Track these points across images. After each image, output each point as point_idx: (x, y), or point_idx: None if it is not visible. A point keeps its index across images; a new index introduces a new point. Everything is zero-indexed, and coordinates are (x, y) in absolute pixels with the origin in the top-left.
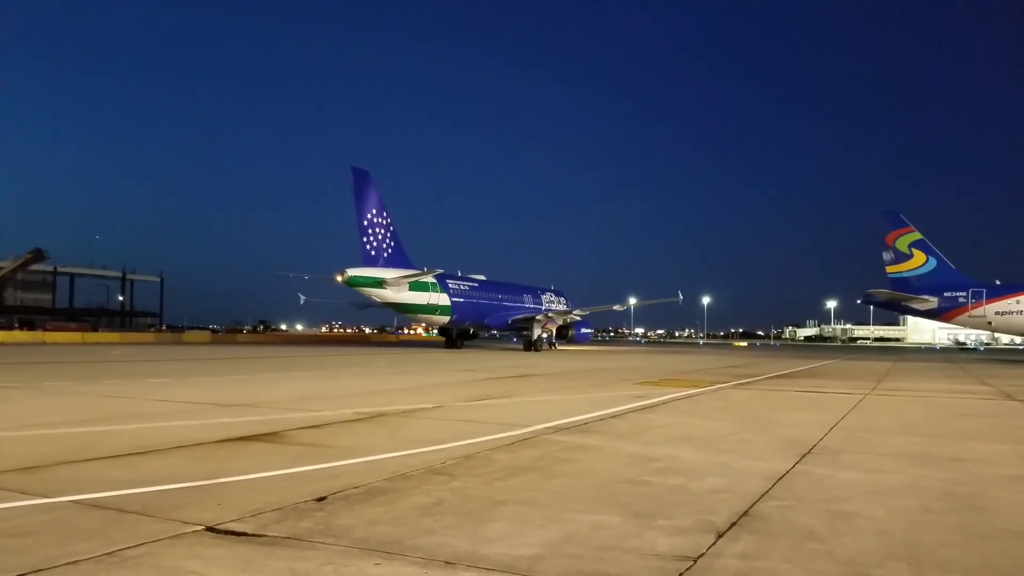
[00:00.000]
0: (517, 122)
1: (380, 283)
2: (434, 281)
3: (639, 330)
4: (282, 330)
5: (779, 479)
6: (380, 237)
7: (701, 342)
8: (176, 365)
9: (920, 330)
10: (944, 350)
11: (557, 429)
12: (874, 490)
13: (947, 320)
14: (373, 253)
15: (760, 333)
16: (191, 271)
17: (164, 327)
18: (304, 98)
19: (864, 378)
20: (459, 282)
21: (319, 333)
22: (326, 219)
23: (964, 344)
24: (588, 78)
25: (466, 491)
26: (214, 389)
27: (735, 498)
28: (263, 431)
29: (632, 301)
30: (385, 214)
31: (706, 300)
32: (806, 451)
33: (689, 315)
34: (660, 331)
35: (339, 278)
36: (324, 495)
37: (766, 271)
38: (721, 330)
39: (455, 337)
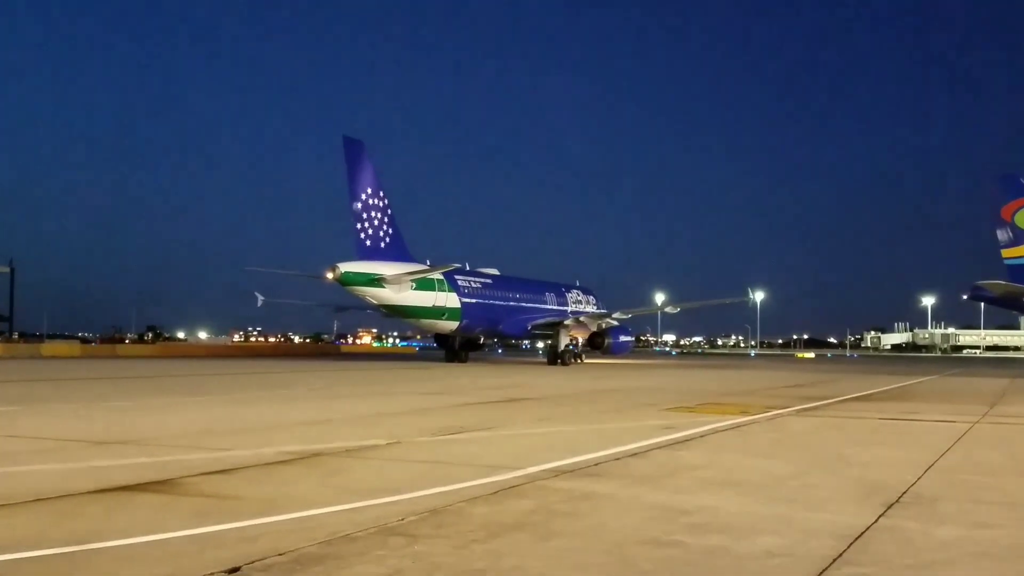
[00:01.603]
0: (521, 99)
1: (378, 281)
2: (441, 278)
3: (668, 337)
4: (179, 339)
5: (856, 538)
6: (377, 223)
7: (752, 353)
8: (32, 387)
9: None
10: None
11: (557, 472)
12: (983, 551)
13: None
14: (369, 244)
15: (832, 341)
16: (53, 260)
17: (15, 336)
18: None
19: (972, 400)
20: (470, 279)
21: (230, 344)
22: (246, 195)
23: None
24: (617, 37)
25: (431, 557)
26: (85, 421)
27: (797, 564)
28: (152, 478)
29: (657, 299)
30: (382, 194)
31: (759, 298)
32: (892, 499)
33: (736, 318)
34: (697, 338)
35: (330, 275)
36: (237, 565)
37: (840, 260)
38: (779, 337)
39: (459, 347)
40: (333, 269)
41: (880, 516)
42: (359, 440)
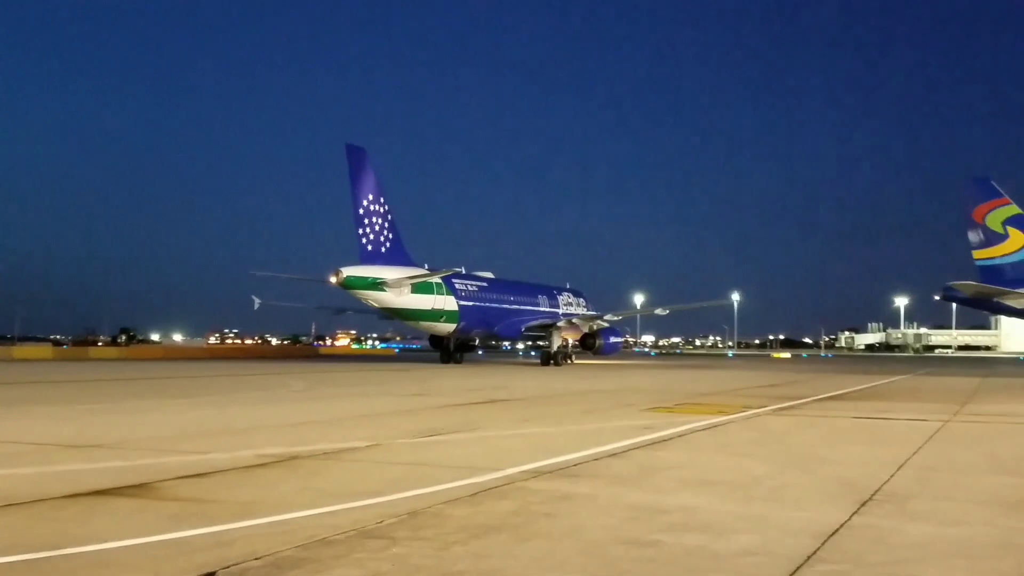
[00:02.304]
0: (506, 107)
1: (379, 285)
2: (440, 282)
3: (647, 338)
4: (154, 342)
5: (830, 536)
6: (378, 228)
7: (730, 353)
8: (3, 391)
9: (1018, 335)
10: None
11: (536, 473)
12: (955, 549)
13: None
14: (370, 248)
15: (807, 341)
16: (25, 262)
17: None
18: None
19: (944, 399)
20: (467, 282)
21: (207, 346)
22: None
23: None
24: (596, 45)
25: (410, 560)
26: (59, 423)
27: (773, 562)
28: (127, 482)
29: (636, 300)
30: (383, 200)
31: (736, 299)
32: (866, 498)
33: (714, 318)
34: (676, 339)
35: (333, 279)
36: (213, 570)
37: (815, 262)
38: (756, 337)
39: (453, 349)
40: (336, 273)
41: (854, 514)
42: (338, 442)
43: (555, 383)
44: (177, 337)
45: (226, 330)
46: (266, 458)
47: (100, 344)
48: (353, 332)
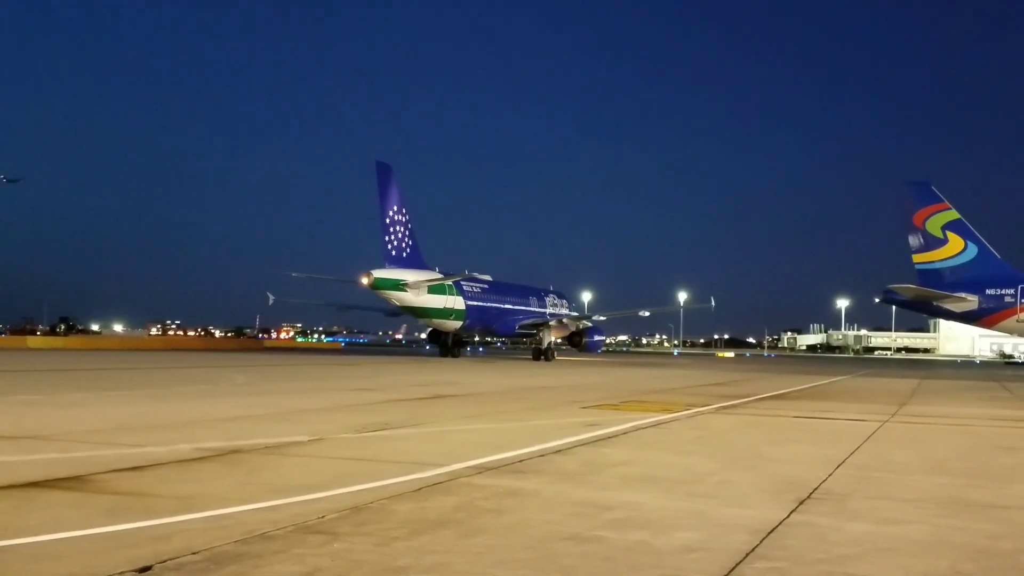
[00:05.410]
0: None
1: (402, 286)
2: (451, 284)
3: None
4: (94, 332)
5: (769, 532)
6: (400, 235)
7: (675, 352)
8: None
9: (955, 338)
10: (986, 364)
11: (481, 469)
12: (891, 547)
13: (990, 325)
14: (394, 253)
15: (751, 341)
16: None
17: None
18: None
19: (883, 400)
20: (472, 284)
21: (148, 337)
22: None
23: (1011, 357)
24: (559, 61)
25: (352, 555)
26: None
27: (713, 558)
28: (62, 474)
29: (583, 299)
30: (404, 210)
31: (682, 298)
32: (805, 495)
33: (660, 318)
34: (623, 337)
35: (364, 280)
36: (149, 564)
37: (759, 263)
38: (701, 336)
39: (452, 344)
40: (368, 275)
41: (793, 511)
42: (280, 436)
43: (505, 379)
44: (117, 328)
45: (168, 321)
46: (205, 452)
47: (38, 333)
48: (299, 325)
